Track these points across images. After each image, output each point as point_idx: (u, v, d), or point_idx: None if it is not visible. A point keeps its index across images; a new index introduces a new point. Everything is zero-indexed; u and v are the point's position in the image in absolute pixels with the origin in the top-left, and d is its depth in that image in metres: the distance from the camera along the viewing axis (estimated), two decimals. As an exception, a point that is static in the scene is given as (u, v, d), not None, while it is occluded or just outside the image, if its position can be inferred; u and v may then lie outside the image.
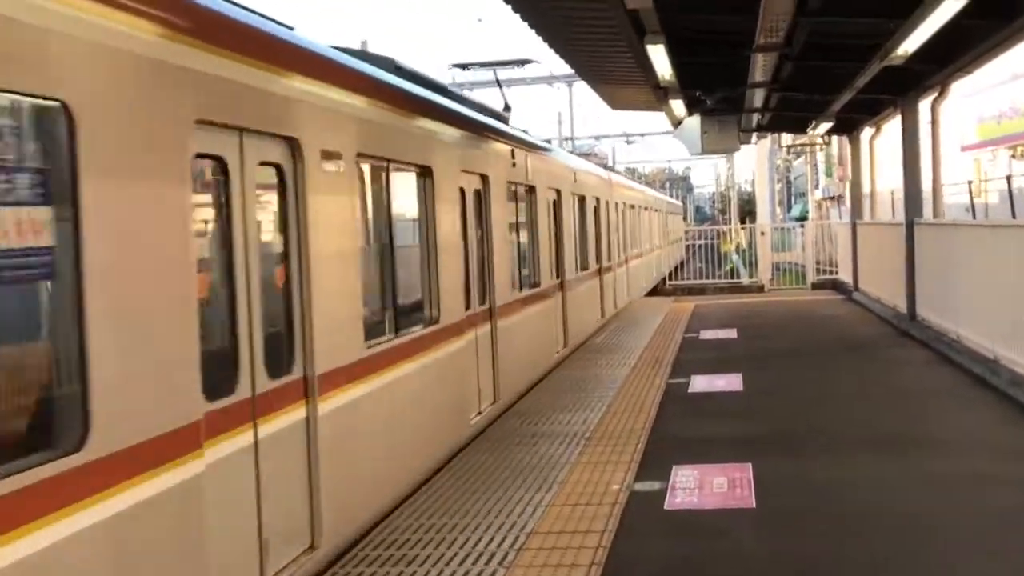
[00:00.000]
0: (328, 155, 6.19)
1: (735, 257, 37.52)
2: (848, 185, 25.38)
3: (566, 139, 53.90)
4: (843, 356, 14.00)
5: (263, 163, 5.48)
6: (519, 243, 12.28)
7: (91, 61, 3.91)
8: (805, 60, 13.35)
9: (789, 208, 66.81)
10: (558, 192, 14.61)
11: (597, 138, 67.01)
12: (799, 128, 24.20)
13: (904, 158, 16.24)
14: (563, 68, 23.39)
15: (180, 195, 4.50)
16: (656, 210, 32.78)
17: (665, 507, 7.01)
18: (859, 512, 6.70)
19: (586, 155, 25.08)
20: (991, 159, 25.73)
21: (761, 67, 13.03)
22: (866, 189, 22.28)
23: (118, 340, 3.96)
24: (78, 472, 3.66)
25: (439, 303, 8.50)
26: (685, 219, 69.38)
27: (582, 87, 32.09)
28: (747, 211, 70.73)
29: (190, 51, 4.64)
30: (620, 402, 10.89)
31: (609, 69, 15.94)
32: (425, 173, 8.37)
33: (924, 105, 16.23)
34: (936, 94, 15.60)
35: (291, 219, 5.81)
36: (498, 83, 16.03)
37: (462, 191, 9.43)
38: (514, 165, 11.66)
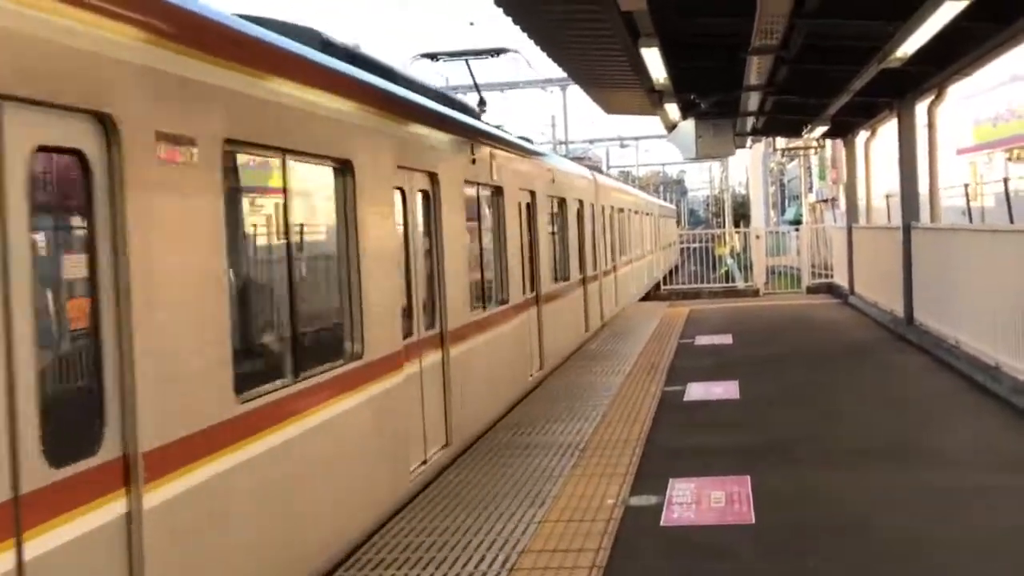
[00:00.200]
0: (168, 139, 4.51)
1: (730, 261, 37.36)
2: (842, 188, 25.23)
3: (560, 143, 53.71)
4: (841, 362, 13.81)
5: (45, 148, 3.85)
6: (481, 254, 10.70)
7: None
8: (801, 63, 13.17)
9: (783, 211, 66.77)
10: (532, 194, 13.19)
11: (591, 142, 66.93)
12: (794, 132, 23.99)
13: (901, 161, 16.07)
14: (556, 72, 23.02)
15: None
16: (647, 214, 31.59)
17: (661, 523, 6.80)
18: (861, 529, 6.49)
19: (579, 159, 24.19)
20: (987, 162, 25.60)
21: (756, 70, 12.85)
22: (861, 192, 22.12)
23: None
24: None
25: (362, 333, 6.78)
26: (679, 223, 69.19)
27: (576, 91, 31.95)
28: (741, 214, 70.60)
29: None
30: (615, 411, 10.69)
31: (603, 73, 15.76)
32: (344, 169, 6.71)
33: (920, 108, 16.07)
34: (933, 97, 15.45)
35: (99, 227, 4.12)
36: (471, 75, 14.79)
37: (402, 192, 7.91)
38: (474, 162, 10.06)
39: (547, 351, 13.46)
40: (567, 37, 13.00)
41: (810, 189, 56.13)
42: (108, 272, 4.12)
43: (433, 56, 14.65)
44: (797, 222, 45.69)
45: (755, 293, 26.20)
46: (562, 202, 15.55)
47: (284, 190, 5.87)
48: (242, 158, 5.50)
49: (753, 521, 6.74)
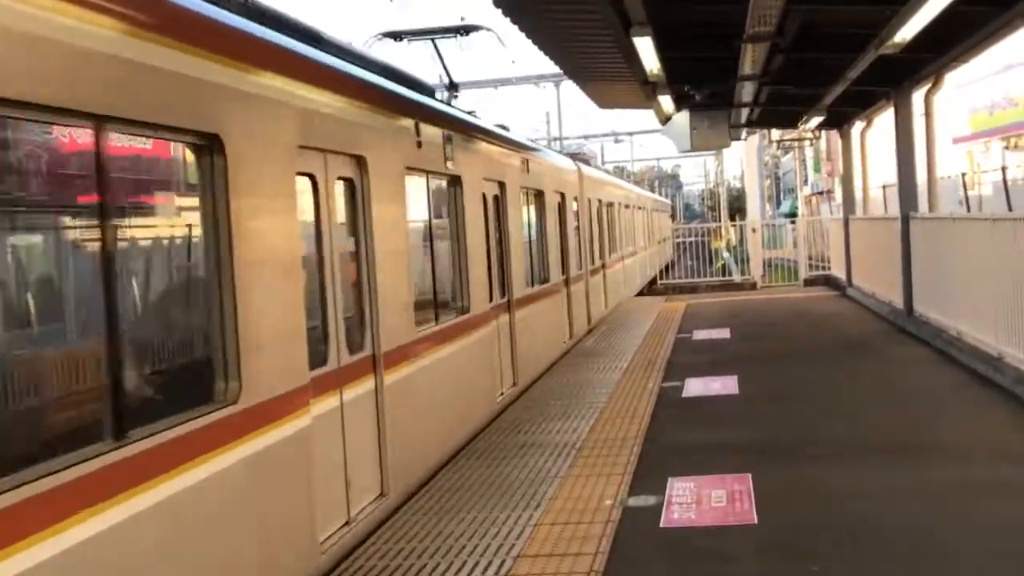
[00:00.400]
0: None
1: (726, 254, 37.17)
2: (838, 180, 25.06)
3: (555, 139, 53.51)
4: (841, 355, 13.61)
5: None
6: (432, 256, 9.27)
7: None
8: (796, 51, 12.96)
9: (778, 204, 66.58)
10: (500, 185, 11.64)
11: (586, 138, 66.72)
12: (790, 123, 23.81)
13: (898, 151, 15.88)
14: (550, 68, 22.66)
15: None
16: (640, 208, 30.47)
17: (661, 524, 6.59)
18: (866, 528, 6.29)
19: (574, 155, 23.15)
20: (984, 151, 25.41)
21: (751, 59, 12.64)
22: (857, 184, 21.94)
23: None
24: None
25: (238, 369, 5.11)
26: (674, 217, 68.94)
27: (570, 87, 31.73)
28: (737, 208, 70.45)
29: None
30: (612, 408, 10.48)
31: (596, 66, 15.54)
32: (209, 148, 5.04)
33: (917, 97, 15.87)
34: (930, 85, 15.24)
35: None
36: (439, 56, 13.17)
37: (312, 180, 6.37)
38: (420, 146, 8.38)
39: (522, 364, 11.99)
40: (558, 28, 12.78)
41: (805, 182, 55.96)
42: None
43: (397, 35, 12.87)
44: (793, 215, 45.53)
45: (752, 286, 26.00)
46: (540, 195, 14.20)
47: (100, 171, 4.19)
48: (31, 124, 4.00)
49: (755, 521, 6.53)
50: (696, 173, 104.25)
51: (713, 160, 79.14)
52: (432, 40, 13.07)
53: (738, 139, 24.29)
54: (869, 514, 6.53)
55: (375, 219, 7.19)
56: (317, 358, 6.18)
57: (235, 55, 5.37)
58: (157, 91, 4.54)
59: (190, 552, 4.55)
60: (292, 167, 5.91)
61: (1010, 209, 20.29)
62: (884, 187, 24.86)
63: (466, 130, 10.34)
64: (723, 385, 11.54)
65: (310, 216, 6.38)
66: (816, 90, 16.19)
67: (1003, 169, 21.81)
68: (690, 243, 34.56)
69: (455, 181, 9.71)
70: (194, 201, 5.12)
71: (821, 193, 48.88)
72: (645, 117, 30.68)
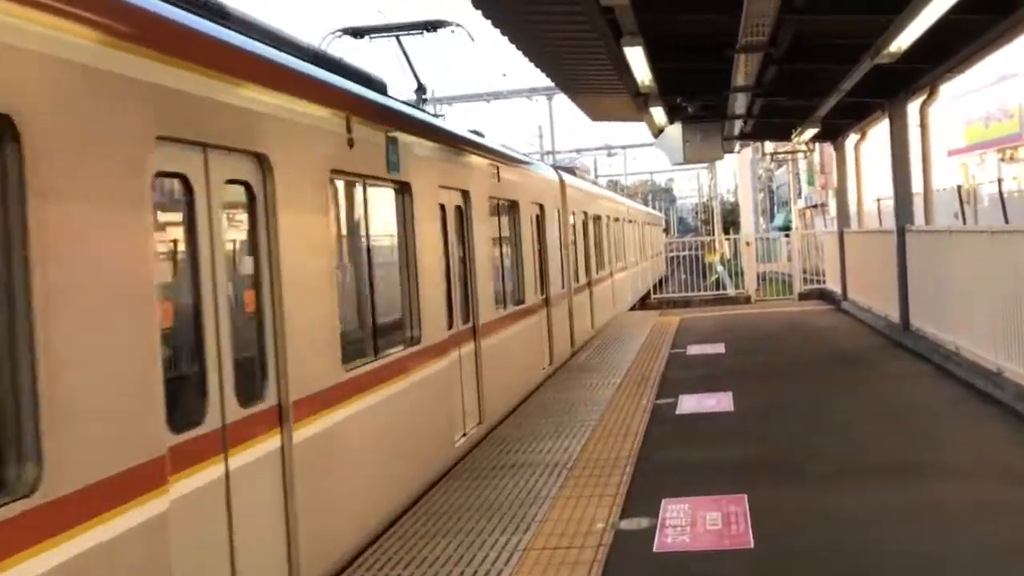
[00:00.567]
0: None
1: (720, 268, 37.02)
2: (831, 193, 24.89)
3: (547, 152, 53.41)
4: (837, 370, 13.39)
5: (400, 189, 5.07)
6: (369, 277, 7.60)
7: None
8: (790, 62, 12.77)
9: (772, 218, 66.56)
10: (464, 195, 10.30)
11: (578, 151, 66.67)
12: (783, 135, 23.65)
13: (893, 163, 15.71)
14: (543, 81, 22.40)
15: None
16: (630, 221, 29.14)
17: (654, 549, 6.35)
18: (869, 553, 6.06)
19: (569, 169, 22.40)
20: (979, 163, 25.27)
21: (744, 70, 12.44)
22: (852, 196, 21.77)
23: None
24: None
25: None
26: (667, 231, 68.67)
27: (563, 100, 31.63)
28: (730, 221, 70.39)
29: None
30: (604, 426, 10.24)
31: (587, 77, 15.35)
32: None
33: (912, 109, 15.70)
34: (925, 96, 15.06)
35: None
36: (404, 54, 11.85)
37: (185, 182, 4.92)
38: (352, 145, 6.95)
39: (490, 398, 10.53)
40: (548, 39, 12.58)
41: (799, 195, 55.91)
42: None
43: (358, 32, 11.66)
44: (786, 228, 45.38)
45: (747, 300, 25.81)
46: (514, 206, 12.89)
47: None
48: None
49: (752, 545, 6.30)
50: (690, 187, 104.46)
51: (707, 173, 79.17)
52: (396, 37, 11.80)
53: (731, 151, 24.17)
54: (871, 538, 6.30)
55: (283, 233, 5.67)
56: (185, 416, 4.73)
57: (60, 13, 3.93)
58: None
59: None
60: (144, 164, 4.44)
61: (1007, 221, 20.13)
62: (879, 200, 24.69)
63: (418, 130, 8.90)
64: (718, 401, 11.31)
65: (179, 229, 4.97)
66: (810, 102, 16.02)
67: (999, 181, 21.66)
68: (684, 257, 34.40)
69: (404, 189, 8.25)
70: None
71: (815, 206, 48.80)
72: (638, 130, 30.49)
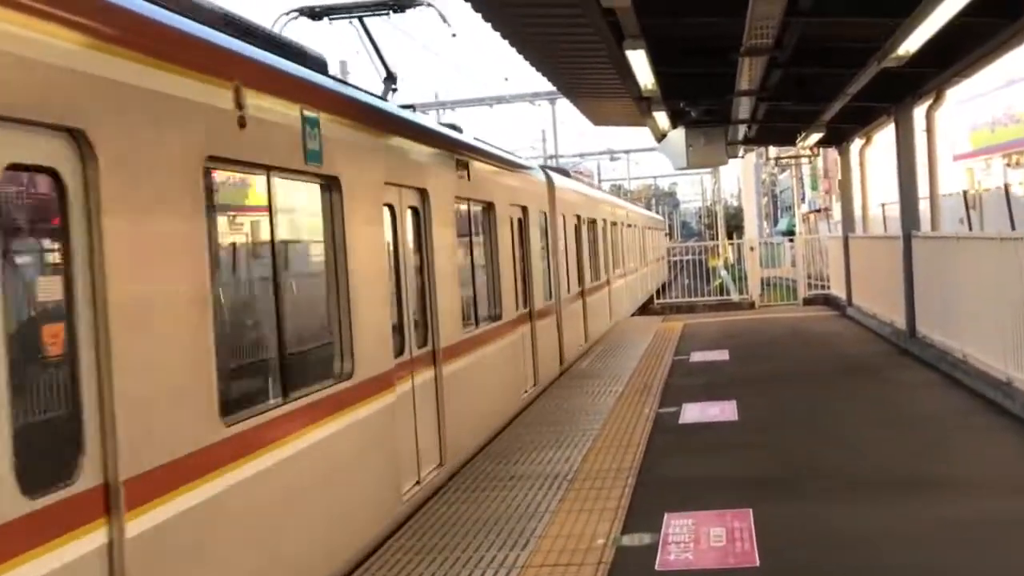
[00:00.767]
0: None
1: (724, 273, 36.80)
2: (835, 198, 24.70)
3: (550, 157, 53.25)
4: (843, 378, 13.17)
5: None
6: (275, 295, 5.89)
7: None
8: (795, 66, 12.60)
9: (775, 222, 66.33)
10: (421, 194, 8.73)
11: (582, 156, 66.52)
12: (787, 140, 23.49)
13: (899, 168, 15.50)
14: (545, 86, 22.14)
15: None
16: (630, 225, 27.64)
17: (656, 567, 6.15)
18: (876, 570, 5.87)
19: (562, 171, 20.87)
20: (984, 168, 25.05)
21: (748, 74, 12.25)
22: (856, 201, 21.58)
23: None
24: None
25: None
26: (670, 236, 68.17)
27: (565, 105, 31.48)
28: (734, 226, 70.18)
29: None
30: (606, 436, 10.05)
31: (590, 81, 15.18)
32: None
33: (918, 113, 15.51)
34: (931, 100, 14.88)
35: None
36: (370, 38, 10.28)
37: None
38: (243, 126, 5.36)
39: (454, 436, 8.99)
40: (549, 42, 12.41)
41: (802, 200, 55.66)
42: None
43: (315, 13, 10.21)
44: (790, 233, 45.14)
45: (751, 306, 25.63)
46: (489, 209, 11.41)
47: None
48: None
49: (757, 563, 6.10)
50: (693, 191, 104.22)
51: (710, 178, 78.98)
52: (359, 18, 10.35)
53: (735, 156, 23.96)
54: (882, 555, 6.11)
55: (113, 241, 4.14)
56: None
57: None
58: None
59: None
60: None
61: (1013, 227, 19.91)
62: (883, 205, 24.49)
63: (352, 112, 7.31)
64: (721, 410, 11.12)
65: None
66: (815, 106, 15.83)
67: (1006, 187, 21.45)
68: (687, 262, 34.20)
69: (331, 185, 6.69)
70: None
71: (818, 211, 48.57)
72: (641, 135, 30.26)
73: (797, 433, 9.87)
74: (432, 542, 6.87)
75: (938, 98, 14.67)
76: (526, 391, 12.55)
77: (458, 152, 10.26)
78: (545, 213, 14.90)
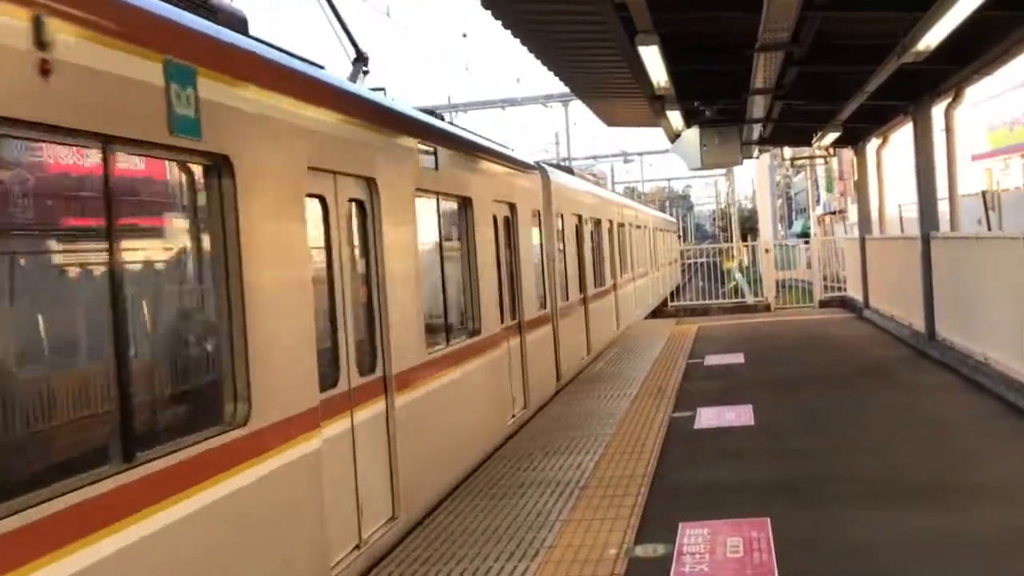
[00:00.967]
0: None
1: (738, 275, 36.50)
2: (850, 200, 24.40)
3: (563, 159, 53.03)
4: (862, 382, 12.89)
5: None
6: (115, 318, 4.18)
7: None
8: (812, 64, 12.34)
9: (790, 224, 65.95)
10: (369, 185, 7.08)
11: (595, 158, 66.23)
12: (803, 140, 23.18)
13: (917, 168, 15.23)
14: (558, 87, 21.77)
15: None
16: (639, 226, 25.97)
17: (671, 579, 5.93)
18: (902, 583, 5.62)
19: (566, 168, 19.65)
20: (1003, 168, 24.72)
21: (763, 72, 12.00)
22: (873, 202, 21.29)
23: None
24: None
25: None
26: (683, 238, 67.58)
27: (578, 107, 31.22)
28: (748, 228, 69.81)
29: None
30: (619, 441, 9.82)
31: (602, 81, 14.95)
32: None
33: (936, 112, 15.22)
34: (950, 99, 14.59)
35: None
36: (335, 12, 8.91)
37: None
38: (45, 72, 3.74)
39: (412, 481, 7.30)
40: (561, 40, 12.18)
41: (817, 201, 55.29)
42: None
43: None
44: (805, 235, 44.79)
45: (766, 308, 25.36)
46: (465, 204, 9.80)
47: None
48: None
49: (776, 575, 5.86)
50: (707, 193, 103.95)
51: (724, 180, 78.64)
52: None
53: (750, 157, 23.66)
54: (904, 568, 5.86)
55: None
56: None
57: None
58: None
59: None
60: None
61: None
62: (900, 206, 24.19)
63: (249, 70, 5.48)
64: (737, 415, 10.87)
65: None
66: (831, 105, 15.57)
67: (1025, 186, 21.13)
68: (701, 264, 33.92)
69: (217, 167, 5.03)
70: None
71: (833, 213, 48.20)
72: (655, 137, 29.94)
73: (815, 438, 9.62)
74: (441, 551, 6.65)
75: (957, 96, 14.38)
76: (513, 415, 11.01)
77: (423, 137, 8.57)
78: (538, 212, 13.52)
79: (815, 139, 20.16)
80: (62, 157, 4.10)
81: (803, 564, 6.03)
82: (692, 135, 17.53)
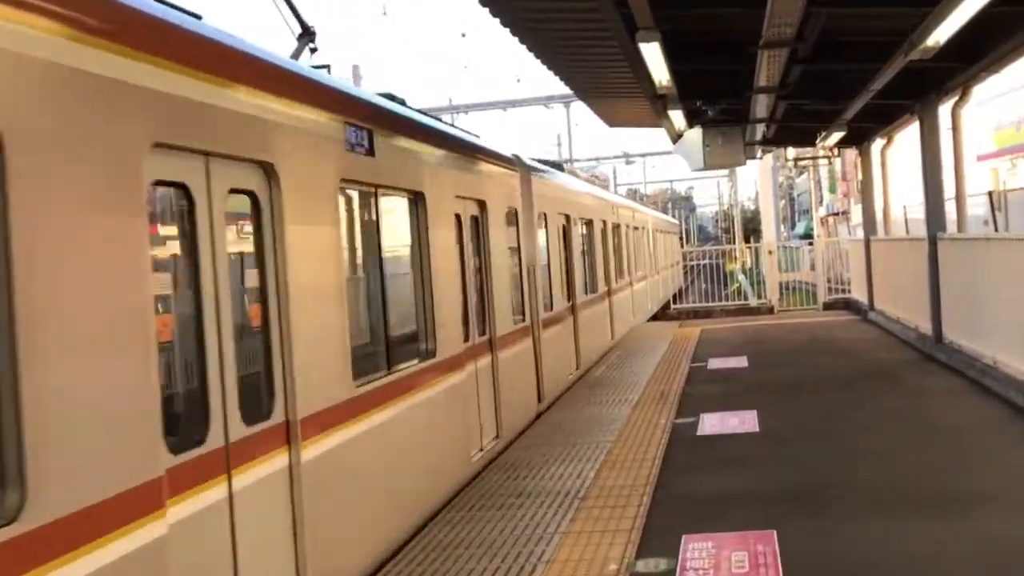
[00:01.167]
0: None
1: (741, 277, 36.27)
2: (853, 201, 24.16)
3: (565, 160, 52.81)
4: (868, 386, 12.64)
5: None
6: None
7: None
8: (816, 62, 12.10)
9: (793, 226, 65.73)
10: (266, 172, 5.47)
11: (597, 160, 66.01)
12: (807, 140, 22.96)
13: (924, 168, 14.98)
14: (560, 88, 21.45)
15: None
16: (636, 228, 24.74)
17: (673, 596, 5.69)
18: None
19: (556, 164, 18.22)
20: (1010, 168, 24.47)
21: (767, 70, 11.76)
22: (878, 203, 21.03)
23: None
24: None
25: None
26: (684, 240, 66.99)
27: (580, 108, 31.01)
28: (751, 229, 69.57)
29: None
30: (620, 449, 9.57)
31: (603, 80, 14.73)
32: None
33: (942, 112, 14.97)
34: (957, 97, 14.34)
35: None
36: None
37: None
38: None
39: (327, 551, 5.67)
40: (560, 38, 11.96)
41: (820, 202, 55.05)
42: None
43: None
44: (808, 236, 44.53)
45: (769, 311, 25.10)
46: (416, 202, 8.15)
47: None
48: None
49: (783, 592, 5.62)
50: (710, 195, 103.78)
51: (727, 181, 78.41)
52: None
53: (753, 157, 23.42)
54: (917, 584, 5.62)
55: None
56: None
57: None
58: None
59: None
60: None
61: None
62: (905, 207, 23.95)
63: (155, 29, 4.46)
64: (741, 421, 10.62)
65: None
66: (836, 104, 15.31)
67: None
68: (704, 266, 33.68)
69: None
70: None
71: (837, 214, 47.94)
72: (657, 139, 29.71)
73: (822, 445, 9.37)
74: (433, 567, 6.40)
75: (964, 95, 14.13)
76: (480, 450, 9.38)
77: (351, 114, 6.81)
78: (516, 211, 11.80)
79: (819, 139, 19.92)
80: None
81: (811, 580, 5.79)
82: (695, 135, 17.31)
